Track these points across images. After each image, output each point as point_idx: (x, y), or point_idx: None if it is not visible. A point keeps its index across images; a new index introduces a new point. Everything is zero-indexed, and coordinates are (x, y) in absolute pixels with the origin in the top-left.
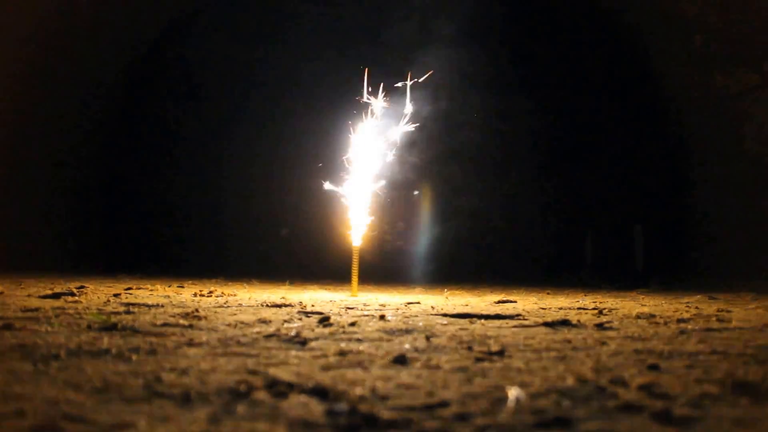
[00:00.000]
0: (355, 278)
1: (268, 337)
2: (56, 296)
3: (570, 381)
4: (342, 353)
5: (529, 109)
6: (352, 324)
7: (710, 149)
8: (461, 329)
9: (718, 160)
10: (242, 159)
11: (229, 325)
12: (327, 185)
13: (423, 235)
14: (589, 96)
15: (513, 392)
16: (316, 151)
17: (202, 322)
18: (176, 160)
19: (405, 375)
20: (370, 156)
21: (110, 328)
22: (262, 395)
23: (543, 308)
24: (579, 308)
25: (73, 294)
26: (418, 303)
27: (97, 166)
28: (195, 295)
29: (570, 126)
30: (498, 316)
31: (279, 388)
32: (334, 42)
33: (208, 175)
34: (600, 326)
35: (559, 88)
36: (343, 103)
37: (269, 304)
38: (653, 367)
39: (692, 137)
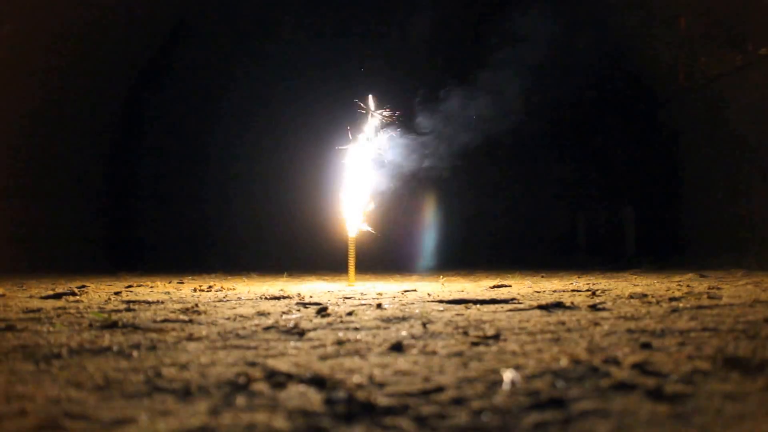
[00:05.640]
0: (352, 268)
1: (267, 329)
2: (57, 296)
3: (564, 362)
4: (340, 342)
5: (520, 94)
6: (350, 313)
7: (697, 130)
8: (457, 315)
9: (705, 140)
10: (239, 155)
11: (228, 318)
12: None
13: (422, 225)
14: (576, 81)
15: (508, 375)
16: (313, 144)
17: (202, 317)
18: (175, 158)
19: (402, 362)
20: (367, 148)
21: (111, 325)
22: (261, 386)
23: (537, 291)
24: (573, 290)
25: (74, 293)
26: (415, 290)
27: (98, 166)
28: (195, 290)
29: (559, 111)
30: (493, 301)
31: (278, 379)
32: (327, 34)
33: (207, 172)
34: (593, 307)
35: (546, 74)
36: (343, 99)
37: (268, 297)
38: (646, 346)
39: (679, 118)
